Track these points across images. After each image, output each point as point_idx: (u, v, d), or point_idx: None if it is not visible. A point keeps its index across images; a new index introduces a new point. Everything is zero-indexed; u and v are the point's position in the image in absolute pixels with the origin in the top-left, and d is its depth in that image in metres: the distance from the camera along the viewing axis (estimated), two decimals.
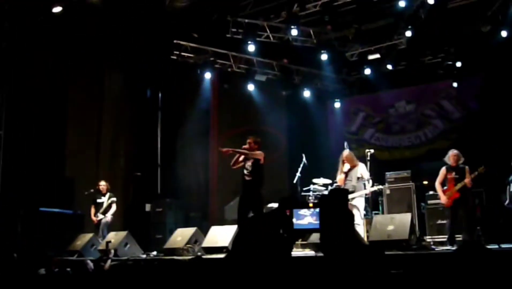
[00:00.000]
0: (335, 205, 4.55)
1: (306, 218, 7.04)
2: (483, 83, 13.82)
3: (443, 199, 9.51)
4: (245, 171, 9.19)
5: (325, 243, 4.31)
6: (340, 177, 9.69)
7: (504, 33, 11.62)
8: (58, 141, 12.79)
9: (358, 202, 9.33)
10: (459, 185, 9.26)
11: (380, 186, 10.20)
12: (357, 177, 9.45)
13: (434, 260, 7.11)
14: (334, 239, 4.28)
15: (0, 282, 5.09)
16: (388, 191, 11.38)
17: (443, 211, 10.47)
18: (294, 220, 5.92)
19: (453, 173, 9.42)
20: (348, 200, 8.14)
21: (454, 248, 8.59)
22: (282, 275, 4.12)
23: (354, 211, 9.09)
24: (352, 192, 9.34)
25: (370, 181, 9.60)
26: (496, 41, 11.83)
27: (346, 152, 9.79)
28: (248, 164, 9.18)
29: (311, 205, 7.47)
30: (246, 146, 9.22)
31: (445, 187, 9.55)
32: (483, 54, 12.67)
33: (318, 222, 4.65)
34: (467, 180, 9.23)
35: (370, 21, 12.61)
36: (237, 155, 9.27)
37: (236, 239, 4.41)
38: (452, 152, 9.53)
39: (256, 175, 9.11)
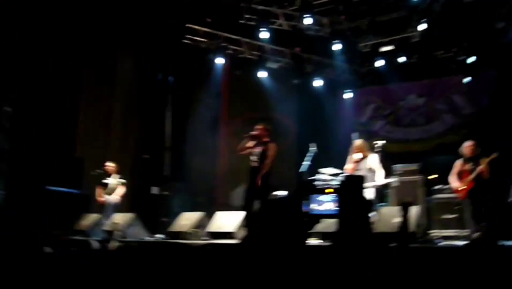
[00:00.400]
0: (353, 192, 4.57)
1: (324, 204, 6.99)
2: (495, 79, 13.75)
3: (456, 186, 9.29)
4: (253, 158, 9.14)
5: (342, 228, 4.34)
6: (349, 166, 9.57)
7: None
8: (69, 122, 12.86)
9: (368, 194, 9.24)
10: (474, 174, 9.01)
11: (391, 179, 10.13)
12: (367, 168, 9.33)
13: (439, 254, 7.12)
14: (351, 227, 4.32)
15: (7, 259, 5.15)
16: (395, 184, 11.37)
17: (450, 206, 10.48)
18: (311, 205, 5.90)
19: (469, 164, 9.19)
20: (364, 187, 8.10)
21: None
22: (298, 263, 4.16)
23: None
24: None
25: (382, 173, 9.48)
26: (509, 37, 11.77)
27: (358, 141, 9.70)
28: (257, 151, 9.12)
29: (330, 190, 7.40)
30: (255, 132, 9.15)
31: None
32: (496, 50, 12.58)
33: (336, 208, 4.65)
34: (482, 167, 8.95)
35: (384, 12, 12.57)
36: (244, 140, 9.19)
37: (251, 226, 4.43)
38: (467, 143, 9.30)
39: (263, 162, 9.05)
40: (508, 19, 11.47)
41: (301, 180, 5.16)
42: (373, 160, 9.47)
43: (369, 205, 4.79)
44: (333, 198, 6.77)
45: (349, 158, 9.68)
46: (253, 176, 9.10)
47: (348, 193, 4.66)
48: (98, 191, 12.09)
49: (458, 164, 9.34)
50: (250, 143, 9.21)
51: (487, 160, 8.96)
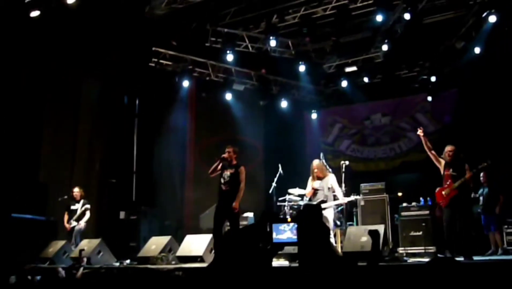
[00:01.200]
0: (311, 220, 4.61)
1: (285, 233, 7.11)
2: (457, 97, 14.07)
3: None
4: (223, 180, 9.14)
5: (303, 255, 4.36)
6: (308, 190, 9.58)
7: (477, 50, 11.91)
8: (33, 146, 12.64)
9: (328, 213, 9.24)
10: (459, 182, 8.65)
11: (357, 196, 10.24)
12: (327, 188, 9.38)
13: (406, 272, 7.19)
14: (311, 252, 4.34)
15: None
16: (362, 202, 11.49)
17: (417, 223, 10.63)
18: (274, 234, 5.97)
19: (451, 170, 8.82)
20: (321, 215, 8.20)
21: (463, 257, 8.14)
22: (262, 286, 4.16)
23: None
24: (324, 201, 9.29)
25: (341, 193, 9.53)
26: (469, 57, 12.09)
27: (316, 161, 9.67)
28: (227, 173, 9.13)
29: (289, 220, 7.50)
30: (226, 155, 9.18)
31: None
32: (457, 70, 12.89)
33: (296, 236, 4.70)
34: (467, 176, 8.69)
35: (348, 34, 12.78)
36: (216, 163, 9.21)
37: (217, 250, 4.44)
38: (448, 148, 9.00)
39: (233, 185, 9.06)
40: (468, 39, 11.77)
41: (264, 210, 5.21)
42: (333, 180, 9.51)
43: (328, 231, 4.86)
44: (290, 227, 6.90)
45: (309, 179, 9.70)
46: (223, 199, 9.11)
47: (306, 222, 4.70)
48: (65, 217, 11.93)
49: (442, 162, 9.00)
50: (219, 166, 9.21)
51: (474, 170, 8.82)
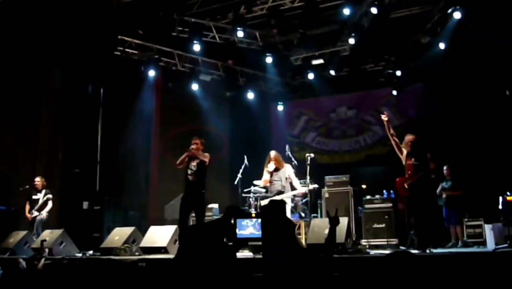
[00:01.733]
0: (275, 215, 4.62)
1: (248, 228, 7.13)
2: (421, 92, 14.27)
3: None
4: (189, 171, 9.11)
5: (267, 250, 4.37)
6: (265, 178, 9.72)
7: (442, 45, 12.07)
8: None
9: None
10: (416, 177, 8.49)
11: (316, 185, 10.24)
12: (285, 178, 9.50)
13: (368, 263, 7.28)
14: (275, 245, 4.35)
15: None
16: (327, 195, 11.58)
17: (380, 215, 10.76)
18: (237, 230, 5.96)
19: (412, 159, 8.64)
20: (285, 210, 8.31)
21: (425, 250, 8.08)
22: (226, 279, 4.16)
23: None
24: (281, 192, 9.42)
25: (298, 183, 9.64)
26: (434, 52, 12.25)
27: (273, 152, 9.76)
28: (193, 164, 9.11)
29: (253, 215, 7.51)
30: (194, 146, 9.14)
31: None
32: (422, 65, 13.05)
33: (259, 232, 4.71)
34: (431, 166, 8.73)
35: (315, 26, 12.81)
36: (185, 155, 9.17)
37: (181, 243, 4.42)
38: (408, 137, 8.87)
39: (200, 176, 9.07)
40: (433, 34, 11.92)
41: (229, 205, 5.17)
42: (290, 170, 9.65)
43: (293, 226, 4.88)
44: (253, 223, 6.92)
45: (265, 170, 9.75)
46: (189, 189, 9.10)
47: (271, 217, 4.71)
48: (27, 207, 11.72)
49: (404, 153, 8.82)
50: (186, 157, 9.18)
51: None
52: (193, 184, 9.06)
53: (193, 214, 9.32)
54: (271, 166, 9.61)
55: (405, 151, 8.84)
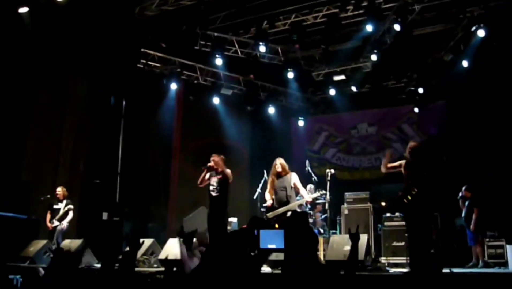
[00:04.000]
0: (298, 228, 4.59)
1: (272, 239, 7.08)
2: (444, 109, 14.16)
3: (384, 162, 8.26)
4: (211, 188, 9.25)
5: (288, 262, 4.34)
6: (268, 189, 9.44)
7: (465, 63, 12.01)
8: (17, 145, 12.50)
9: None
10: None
11: (323, 191, 9.90)
12: (290, 186, 9.17)
13: (388, 282, 7.20)
14: (297, 259, 4.32)
15: None
16: (346, 211, 11.49)
17: (399, 233, 10.63)
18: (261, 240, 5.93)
19: (409, 170, 7.99)
20: (308, 222, 8.19)
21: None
22: None
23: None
24: (287, 202, 9.07)
25: (305, 191, 9.41)
26: (457, 70, 12.18)
27: (280, 159, 9.49)
28: (214, 180, 9.23)
29: (277, 226, 7.44)
30: (211, 164, 9.23)
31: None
32: (445, 82, 12.97)
33: (282, 244, 4.68)
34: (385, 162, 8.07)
35: (338, 42, 12.84)
36: (203, 173, 9.28)
37: (206, 255, 4.40)
38: (409, 144, 8.34)
39: (222, 192, 9.18)
40: (456, 52, 11.86)
41: (253, 216, 5.11)
42: (295, 178, 9.31)
43: (316, 240, 4.84)
44: (278, 233, 6.85)
45: (269, 180, 9.53)
46: (212, 206, 9.26)
47: (294, 229, 4.68)
48: (48, 216, 11.82)
49: (400, 162, 8.24)
50: (207, 175, 9.30)
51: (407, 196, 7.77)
52: (215, 199, 9.19)
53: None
54: (277, 180, 9.28)
55: (403, 163, 8.21)
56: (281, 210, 9.06)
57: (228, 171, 9.26)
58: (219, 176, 9.20)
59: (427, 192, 7.73)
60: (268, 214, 9.34)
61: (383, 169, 8.38)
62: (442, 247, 10.60)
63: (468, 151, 12.86)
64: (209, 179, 9.31)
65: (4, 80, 11.98)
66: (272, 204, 9.26)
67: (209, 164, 9.25)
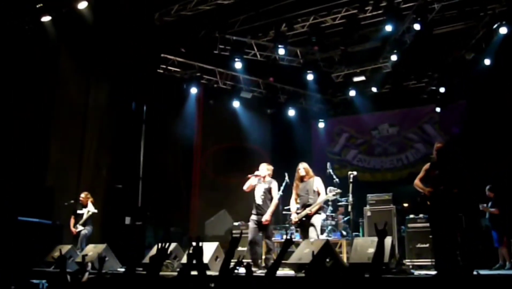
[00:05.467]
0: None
1: None
2: (466, 109, 14.02)
3: (426, 190, 7.78)
4: (257, 195, 9.46)
5: (310, 268, 4.30)
6: (293, 197, 9.53)
7: (487, 61, 11.87)
8: (41, 150, 12.64)
9: (315, 220, 9.13)
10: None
11: (338, 190, 9.87)
12: (313, 190, 9.21)
13: (413, 284, 7.13)
14: (320, 265, 4.28)
15: None
16: (369, 213, 11.40)
17: (423, 235, 10.52)
18: None
19: (437, 171, 7.73)
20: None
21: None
22: None
23: (311, 229, 9.02)
24: (309, 204, 9.11)
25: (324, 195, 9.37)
26: (479, 68, 12.04)
27: (303, 163, 9.59)
28: (261, 188, 9.43)
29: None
30: (260, 173, 9.48)
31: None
32: (466, 81, 12.84)
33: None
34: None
35: (357, 43, 12.79)
36: (250, 180, 9.54)
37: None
38: (436, 145, 7.98)
39: (266, 200, 9.41)
40: (478, 50, 11.73)
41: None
42: (318, 183, 9.37)
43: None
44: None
45: (294, 186, 9.61)
46: (257, 212, 9.41)
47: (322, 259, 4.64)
48: (72, 221, 11.93)
49: (425, 168, 7.98)
50: (253, 181, 9.50)
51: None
52: (261, 207, 9.37)
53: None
54: (300, 185, 9.43)
55: (428, 166, 7.95)
56: (303, 213, 9.15)
57: (275, 184, 9.54)
58: (266, 186, 9.43)
59: (459, 192, 7.54)
60: (292, 218, 9.47)
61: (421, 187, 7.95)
62: (468, 248, 10.45)
63: (490, 150, 12.71)
64: (255, 185, 9.53)
65: (26, 87, 12.14)
66: (296, 210, 9.38)
67: (256, 172, 9.50)
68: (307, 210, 9.07)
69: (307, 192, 9.26)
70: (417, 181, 7.95)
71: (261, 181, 9.49)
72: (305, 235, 9.16)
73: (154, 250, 10.70)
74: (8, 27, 11.10)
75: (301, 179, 9.42)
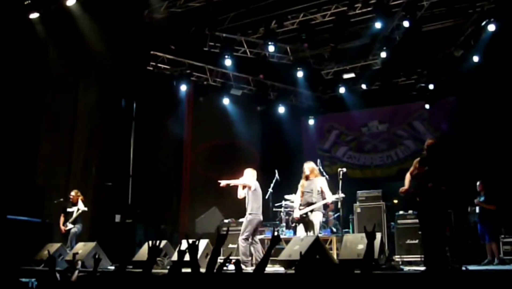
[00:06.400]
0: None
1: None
2: (455, 105, 14.09)
3: (404, 188, 7.97)
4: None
5: (300, 264, 4.32)
6: (299, 194, 9.74)
7: (476, 58, 11.94)
8: (30, 148, 12.57)
9: (315, 217, 9.33)
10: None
11: (340, 195, 9.95)
12: (317, 190, 9.43)
13: (403, 280, 7.17)
14: (309, 262, 4.31)
15: None
16: (359, 210, 11.44)
17: (413, 231, 10.57)
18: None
19: (426, 167, 7.77)
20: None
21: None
22: None
23: (310, 226, 9.28)
24: (312, 203, 9.38)
25: (330, 195, 9.55)
26: (468, 65, 12.11)
27: (308, 162, 9.80)
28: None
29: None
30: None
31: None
32: (455, 78, 12.90)
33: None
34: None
35: (346, 40, 12.80)
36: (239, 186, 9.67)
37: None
38: (427, 141, 8.08)
39: (247, 200, 9.55)
40: (467, 47, 11.79)
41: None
42: (322, 183, 9.57)
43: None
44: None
45: (300, 184, 9.76)
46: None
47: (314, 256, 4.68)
48: (61, 219, 11.88)
49: (415, 163, 8.01)
50: (240, 191, 9.66)
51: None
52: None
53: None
54: (306, 183, 9.63)
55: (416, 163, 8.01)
56: (303, 211, 9.40)
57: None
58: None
59: (447, 189, 7.59)
60: (294, 216, 9.77)
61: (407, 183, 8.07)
62: (456, 244, 10.52)
63: (479, 146, 12.79)
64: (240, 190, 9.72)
65: (15, 85, 12.06)
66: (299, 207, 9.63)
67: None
68: (308, 209, 9.31)
69: (311, 191, 9.49)
70: (407, 175, 8.07)
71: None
72: (306, 230, 9.41)
73: (145, 248, 10.71)
74: None
75: (306, 178, 9.63)
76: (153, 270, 9.45)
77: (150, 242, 4.51)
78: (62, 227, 11.80)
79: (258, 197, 9.59)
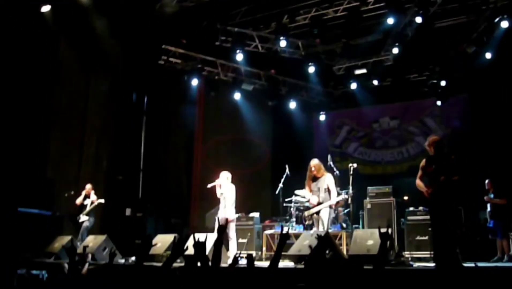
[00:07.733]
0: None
1: None
2: (467, 102, 14.01)
3: (425, 190, 7.75)
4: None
5: (310, 259, 4.33)
6: (307, 188, 9.95)
7: (488, 55, 11.85)
8: (41, 142, 12.65)
9: (323, 214, 9.50)
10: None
11: (344, 196, 10.11)
12: (324, 188, 9.57)
13: (412, 276, 7.16)
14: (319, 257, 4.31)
15: None
16: (369, 206, 11.41)
17: (423, 227, 10.54)
18: None
19: (433, 166, 7.66)
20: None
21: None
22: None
23: (320, 222, 9.51)
24: (320, 203, 9.61)
25: (335, 194, 9.71)
26: (480, 62, 12.02)
27: (315, 160, 9.90)
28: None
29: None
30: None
31: None
32: (467, 75, 12.82)
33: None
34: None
35: (358, 36, 12.76)
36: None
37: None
38: (430, 138, 7.92)
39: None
40: (479, 44, 11.70)
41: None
42: (329, 180, 9.68)
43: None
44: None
45: (306, 181, 9.92)
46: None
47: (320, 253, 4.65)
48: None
49: (421, 165, 7.90)
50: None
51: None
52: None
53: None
54: (314, 184, 9.84)
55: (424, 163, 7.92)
56: (311, 211, 9.65)
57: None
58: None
59: (460, 179, 7.48)
60: (305, 213, 10.02)
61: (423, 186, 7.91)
62: (466, 241, 10.47)
63: (491, 143, 12.71)
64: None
65: (26, 78, 12.13)
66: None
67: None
68: (314, 210, 9.57)
69: (318, 190, 9.66)
70: (418, 181, 7.92)
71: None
72: (316, 227, 9.68)
73: (156, 242, 10.75)
74: (8, 18, 11.07)
75: (314, 177, 9.77)
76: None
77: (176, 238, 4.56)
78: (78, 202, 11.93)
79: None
